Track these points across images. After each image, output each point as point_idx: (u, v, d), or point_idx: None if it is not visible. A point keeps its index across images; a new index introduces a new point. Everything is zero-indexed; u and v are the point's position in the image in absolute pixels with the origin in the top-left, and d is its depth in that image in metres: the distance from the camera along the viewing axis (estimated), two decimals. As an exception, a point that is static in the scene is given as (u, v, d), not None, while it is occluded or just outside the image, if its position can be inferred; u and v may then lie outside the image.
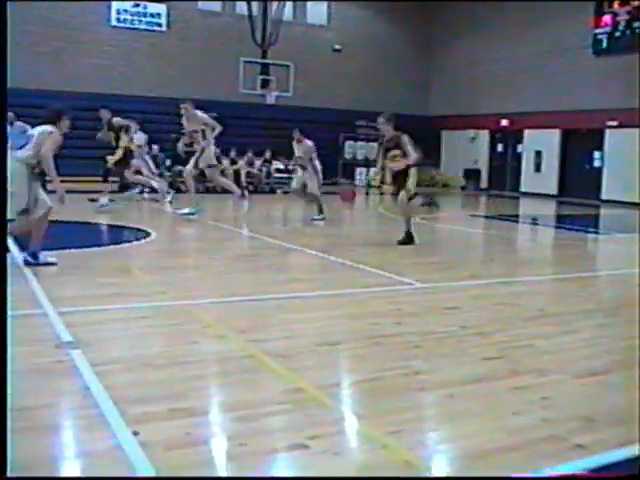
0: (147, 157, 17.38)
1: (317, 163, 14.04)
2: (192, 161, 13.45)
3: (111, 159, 14.81)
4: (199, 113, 13.20)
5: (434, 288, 7.31)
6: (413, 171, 10.83)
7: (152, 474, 2.92)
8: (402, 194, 10.64)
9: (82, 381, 4.01)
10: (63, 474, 3.06)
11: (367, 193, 24.94)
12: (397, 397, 4.02)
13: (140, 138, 16.95)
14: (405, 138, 11.08)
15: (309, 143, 14.10)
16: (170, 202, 15.46)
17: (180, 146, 22.06)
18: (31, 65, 22.81)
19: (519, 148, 26.62)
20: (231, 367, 4.41)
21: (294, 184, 14.39)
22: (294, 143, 14.33)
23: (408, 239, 10.56)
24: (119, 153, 14.58)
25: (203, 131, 13.19)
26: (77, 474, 3.04)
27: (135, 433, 3.31)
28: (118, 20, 24.66)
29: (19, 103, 22.31)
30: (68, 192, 14.59)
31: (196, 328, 5.41)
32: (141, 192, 17.26)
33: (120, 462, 3.04)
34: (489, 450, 3.31)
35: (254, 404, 3.80)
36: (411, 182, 10.74)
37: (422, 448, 3.39)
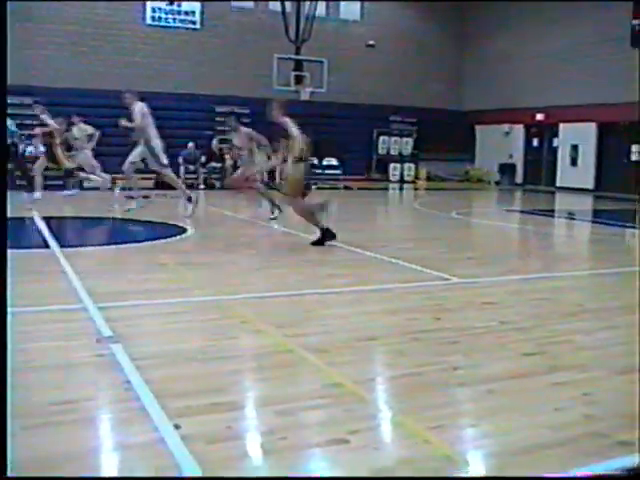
0: (87, 151, 16.64)
1: (263, 154, 12.62)
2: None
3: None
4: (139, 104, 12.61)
5: (472, 283, 7.26)
6: (297, 166, 10.05)
7: (194, 467, 2.94)
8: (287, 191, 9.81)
9: (123, 375, 4.05)
10: (105, 467, 3.09)
11: (401, 188, 24.89)
12: (436, 392, 4.00)
13: (83, 130, 16.49)
14: (291, 127, 10.44)
15: (248, 131, 12.75)
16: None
17: (214, 143, 22.29)
18: (70, 64, 23.10)
19: (555, 142, 26.32)
20: (270, 362, 4.43)
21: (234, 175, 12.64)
22: (232, 133, 13.16)
23: (323, 237, 9.56)
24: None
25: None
26: (119, 467, 3.07)
27: (176, 427, 3.34)
28: (153, 19, 24.84)
29: (59, 102, 22.66)
30: (107, 189, 14.72)
31: (234, 323, 5.44)
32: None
33: (162, 455, 3.06)
34: (531, 446, 3.28)
35: (294, 398, 3.81)
36: (291, 178, 9.87)
37: (463, 443, 3.37)
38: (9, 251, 8.31)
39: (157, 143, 12.11)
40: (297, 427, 3.47)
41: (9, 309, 5.50)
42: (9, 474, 2.74)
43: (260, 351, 4.65)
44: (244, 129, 12.55)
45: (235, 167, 21.47)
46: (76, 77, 23.08)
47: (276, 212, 12.30)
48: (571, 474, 3.00)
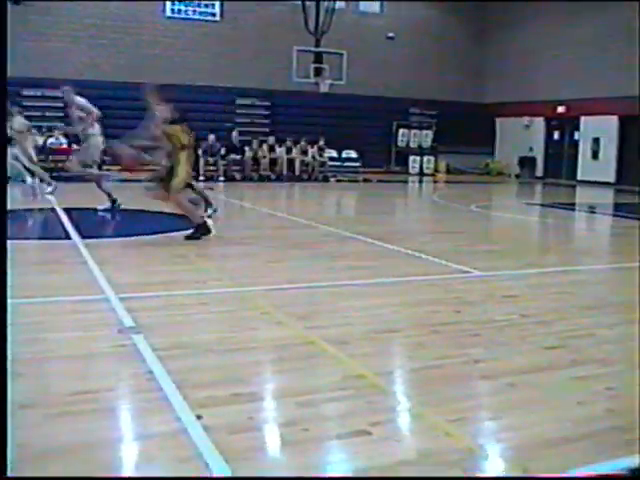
0: (27, 144, 16.11)
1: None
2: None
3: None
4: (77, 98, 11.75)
5: (492, 276, 7.23)
6: (183, 156, 9.24)
7: (217, 458, 2.95)
8: (174, 182, 9.02)
9: (145, 365, 4.06)
10: (127, 457, 3.11)
11: (420, 181, 24.82)
12: (458, 385, 3.99)
13: (21, 124, 16.03)
14: (167, 114, 9.50)
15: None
16: (51, 193, 13.90)
17: (234, 135, 22.32)
18: (90, 56, 23.19)
19: (576, 135, 26.12)
20: (291, 353, 4.43)
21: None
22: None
23: (198, 231, 8.97)
24: None
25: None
26: (141, 456, 3.08)
27: (198, 417, 3.35)
28: (173, 11, 24.88)
29: (78, 94, 22.73)
30: (128, 181, 14.86)
31: (255, 315, 5.44)
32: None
33: (185, 445, 3.08)
34: (554, 440, 3.26)
35: (315, 390, 3.81)
36: (181, 169, 9.12)
37: (484, 437, 3.36)
38: (30, 242, 8.42)
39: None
40: (318, 418, 3.47)
41: (31, 299, 5.58)
42: (9, 474, 2.74)
43: (280, 343, 4.65)
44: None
45: (255, 160, 21.60)
46: (95, 70, 23.18)
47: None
48: (572, 474, 2.97)
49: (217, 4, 25.29)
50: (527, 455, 3.11)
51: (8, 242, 8.37)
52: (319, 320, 5.28)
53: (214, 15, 25.44)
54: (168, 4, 24.72)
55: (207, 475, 2.84)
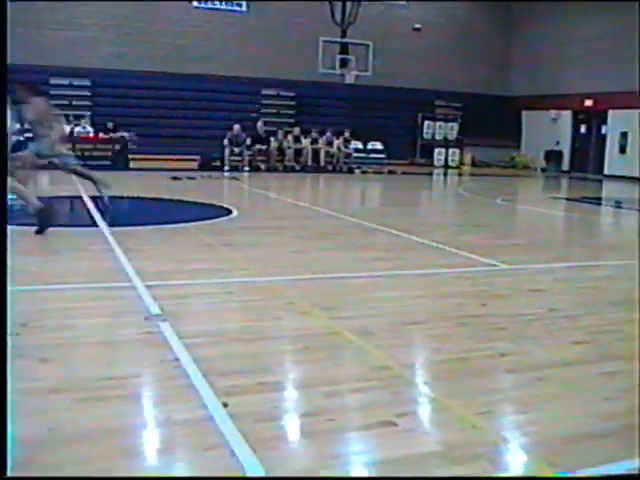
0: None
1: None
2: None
3: None
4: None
5: (519, 270, 7.18)
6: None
7: (242, 446, 2.96)
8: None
9: (171, 353, 4.09)
10: (153, 443, 3.13)
11: (445, 173, 24.70)
12: (484, 378, 3.97)
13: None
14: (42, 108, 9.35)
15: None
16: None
17: (260, 125, 22.34)
18: (117, 45, 23.29)
19: (603, 129, 25.85)
20: (316, 343, 4.43)
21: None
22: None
23: (42, 221, 8.08)
24: None
25: None
26: (167, 443, 3.10)
27: (225, 405, 3.36)
28: (199, 1, 24.89)
29: (105, 83, 22.91)
30: (153, 170, 14.86)
31: (280, 304, 5.45)
32: None
33: (211, 433, 3.09)
34: (581, 435, 3.24)
35: (341, 380, 3.82)
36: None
37: (511, 430, 3.34)
38: (59, 229, 8.48)
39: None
40: (344, 409, 3.47)
41: (60, 286, 5.63)
42: (9, 474, 2.76)
43: (306, 333, 4.66)
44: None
45: (281, 151, 21.62)
46: (122, 59, 23.27)
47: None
48: (574, 474, 2.95)
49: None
50: (553, 450, 3.08)
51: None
52: (344, 311, 5.27)
53: (240, 6, 25.43)
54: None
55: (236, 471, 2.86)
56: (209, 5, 25.05)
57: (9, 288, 5.45)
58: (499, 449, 3.10)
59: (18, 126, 11.05)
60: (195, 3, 24.82)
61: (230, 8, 25.27)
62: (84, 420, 3.20)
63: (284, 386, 3.78)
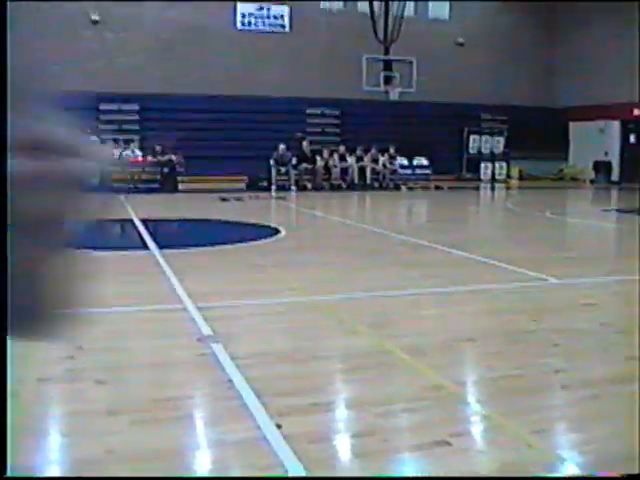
0: None
1: None
2: None
3: None
4: None
5: (570, 284, 7.09)
6: None
7: (298, 467, 2.97)
8: None
9: (224, 374, 4.12)
10: (207, 463, 3.16)
11: (493, 187, 24.51)
12: (538, 395, 3.93)
13: None
14: None
15: None
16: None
17: (305, 144, 22.47)
18: (163, 70, 23.69)
19: (654, 138, 25.41)
20: (369, 362, 4.43)
21: None
22: None
23: None
24: None
25: None
26: (222, 464, 3.12)
27: (278, 426, 3.38)
28: (243, 23, 25.22)
29: (153, 107, 23.31)
30: (201, 192, 14.98)
31: (330, 323, 5.47)
32: None
33: (265, 453, 3.11)
34: (638, 453, 3.17)
35: (393, 400, 3.80)
36: None
37: (566, 449, 3.30)
38: (110, 253, 8.64)
39: None
40: (397, 429, 3.47)
41: (113, 309, 5.72)
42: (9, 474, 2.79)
43: (357, 352, 4.66)
44: None
45: (327, 169, 21.68)
46: (169, 83, 23.66)
47: None
48: (575, 474, 2.90)
49: (286, 15, 25.53)
50: (610, 468, 3.04)
51: (90, 252, 8.61)
52: (395, 329, 5.27)
53: (284, 27, 25.68)
54: (239, 16, 25.07)
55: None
56: (253, 27, 25.35)
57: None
58: (554, 469, 3.06)
59: None
60: (239, 25, 25.14)
61: (273, 29, 25.53)
62: (140, 442, 3.25)
63: (337, 406, 3.79)
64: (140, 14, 23.57)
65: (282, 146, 20.99)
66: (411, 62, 23.55)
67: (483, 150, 27.24)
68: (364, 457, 3.17)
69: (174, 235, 11.31)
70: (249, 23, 25.30)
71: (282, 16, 25.60)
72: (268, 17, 25.49)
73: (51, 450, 3.26)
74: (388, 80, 23.45)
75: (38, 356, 4.48)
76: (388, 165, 22.44)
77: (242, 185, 20.39)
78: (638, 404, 3.72)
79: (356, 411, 3.75)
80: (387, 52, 23.74)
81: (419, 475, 3.03)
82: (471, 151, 27.32)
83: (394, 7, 24.17)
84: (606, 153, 26.92)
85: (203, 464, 3.15)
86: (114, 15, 23.12)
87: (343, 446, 3.32)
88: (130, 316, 5.59)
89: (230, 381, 3.99)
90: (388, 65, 23.50)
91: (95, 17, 22.90)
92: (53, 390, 3.96)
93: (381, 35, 23.80)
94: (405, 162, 24.59)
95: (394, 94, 23.56)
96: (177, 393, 3.89)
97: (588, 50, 27.10)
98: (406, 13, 24.38)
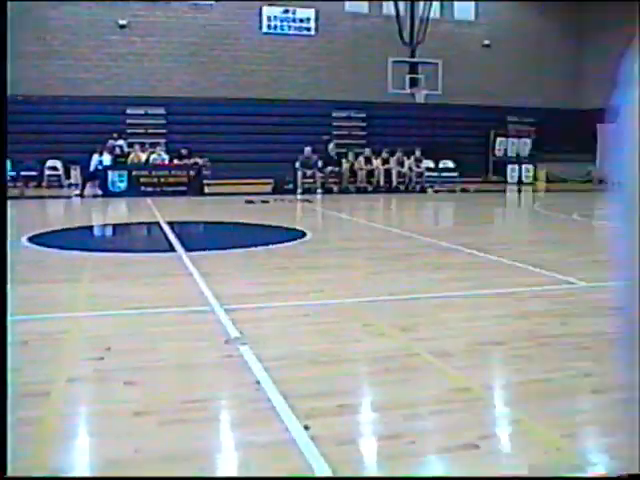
0: None
1: None
2: None
3: None
4: None
5: (599, 287, 7.00)
6: None
7: (326, 469, 2.97)
8: None
9: (252, 375, 4.13)
10: (237, 465, 3.16)
11: (519, 190, 24.35)
12: (568, 399, 3.89)
13: None
14: None
15: None
16: None
17: (331, 147, 22.49)
18: (189, 74, 23.86)
19: (684, 140, 25.06)
20: (396, 365, 4.41)
21: None
22: None
23: None
24: None
25: None
26: (250, 466, 3.12)
27: (306, 427, 3.38)
28: (269, 27, 25.31)
29: (179, 110, 23.47)
30: (227, 195, 15.01)
31: (357, 326, 5.45)
32: None
33: (293, 455, 3.11)
34: (673, 457, 3.13)
35: (421, 402, 3.79)
36: None
37: (598, 453, 3.26)
38: (137, 255, 8.71)
39: None
40: (425, 431, 3.45)
41: (141, 311, 5.76)
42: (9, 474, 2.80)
43: (384, 354, 4.63)
44: None
45: (353, 172, 21.68)
46: (195, 87, 23.81)
47: None
48: (576, 474, 2.88)
49: (312, 19, 25.58)
50: (644, 473, 3.00)
51: (118, 255, 8.74)
52: (422, 332, 5.24)
53: (309, 30, 25.74)
54: (265, 21, 25.16)
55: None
56: (279, 30, 25.44)
57: (93, 313, 5.62)
58: (585, 472, 3.03)
59: None
60: (265, 29, 25.24)
61: (299, 33, 25.60)
62: (168, 442, 3.26)
63: (364, 408, 3.78)
64: (167, 19, 23.76)
65: (307, 149, 21.03)
66: (436, 64, 23.49)
67: (510, 153, 27.10)
68: (391, 459, 3.16)
69: (201, 238, 11.37)
70: (275, 27, 25.39)
71: (308, 19, 25.67)
72: (294, 21, 25.57)
73: (80, 450, 3.28)
74: (414, 82, 23.41)
75: (68, 357, 4.53)
76: (414, 168, 22.38)
77: (268, 188, 20.45)
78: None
79: (383, 413, 3.73)
80: (413, 54, 23.71)
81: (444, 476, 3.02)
82: (497, 154, 27.19)
83: (419, 9, 24.14)
84: (636, 155, 26.57)
85: (230, 465, 3.16)
86: (142, 20, 23.32)
87: (370, 448, 3.31)
88: (158, 318, 5.62)
89: (258, 383, 4.00)
90: (414, 67, 23.47)
91: (123, 22, 23.10)
92: (82, 390, 4.00)
93: (406, 37, 23.77)
94: (431, 165, 24.53)
95: (420, 97, 23.52)
96: (205, 395, 3.90)
97: (614, 52, 26.77)
98: (432, 15, 24.33)
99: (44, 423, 3.46)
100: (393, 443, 3.30)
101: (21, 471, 2.89)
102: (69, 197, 18.83)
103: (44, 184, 21.35)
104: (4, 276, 3.50)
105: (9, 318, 4.60)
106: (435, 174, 24.60)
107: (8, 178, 19.46)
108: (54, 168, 21.69)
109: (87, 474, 3.04)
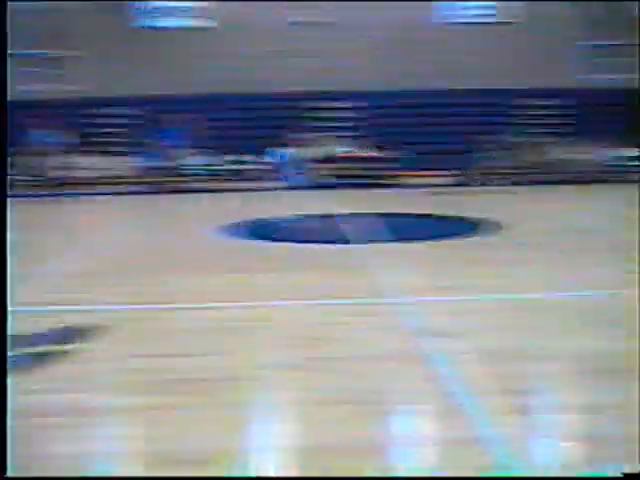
0: None
1: None
2: None
3: None
4: None
5: None
6: None
7: (518, 468, 2.87)
8: None
9: (442, 369, 4.07)
10: (423, 460, 3.11)
11: None
12: None
13: None
14: None
15: None
16: None
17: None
18: (379, 69, 24.06)
19: None
20: (602, 366, 4.12)
21: None
22: None
23: None
24: None
25: None
26: (439, 462, 3.06)
27: (494, 425, 3.31)
28: (446, 16, 25.11)
29: (368, 104, 23.70)
30: (414, 186, 14.81)
31: (554, 322, 5.14)
32: None
33: (482, 453, 3.05)
34: None
35: (627, 405, 3.50)
36: None
37: None
38: (315, 245, 8.83)
39: None
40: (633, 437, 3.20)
41: (318, 301, 5.82)
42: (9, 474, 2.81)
43: (588, 353, 4.36)
44: None
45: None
46: (386, 79, 23.98)
47: None
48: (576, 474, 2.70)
49: (493, 5, 25.12)
50: None
51: (298, 245, 8.98)
52: (632, 330, 4.76)
53: (490, 16, 25.23)
54: (444, 10, 25.01)
55: None
56: (458, 19, 25.23)
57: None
58: None
59: None
60: (442, 18, 25.05)
61: (484, 20, 25.18)
62: (357, 432, 3.30)
63: (560, 409, 3.59)
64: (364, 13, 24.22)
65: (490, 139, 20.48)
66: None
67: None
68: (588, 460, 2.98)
69: (385, 229, 11.33)
70: (452, 15, 25.16)
71: (492, 6, 25.35)
72: (473, 8, 25.28)
73: (272, 437, 3.34)
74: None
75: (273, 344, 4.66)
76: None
77: (453, 180, 20.09)
78: None
79: (589, 414, 3.50)
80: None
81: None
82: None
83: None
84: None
85: (417, 460, 3.11)
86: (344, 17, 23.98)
87: (567, 449, 3.14)
88: (345, 308, 5.66)
89: (447, 377, 3.95)
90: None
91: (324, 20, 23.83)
92: (274, 379, 4.07)
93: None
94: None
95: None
96: (389, 387, 3.90)
97: None
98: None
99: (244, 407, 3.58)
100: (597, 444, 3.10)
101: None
102: (268, 189, 19.27)
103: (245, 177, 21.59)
104: (4, 275, 3.58)
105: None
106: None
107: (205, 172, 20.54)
108: (255, 162, 21.98)
109: (278, 460, 3.09)
